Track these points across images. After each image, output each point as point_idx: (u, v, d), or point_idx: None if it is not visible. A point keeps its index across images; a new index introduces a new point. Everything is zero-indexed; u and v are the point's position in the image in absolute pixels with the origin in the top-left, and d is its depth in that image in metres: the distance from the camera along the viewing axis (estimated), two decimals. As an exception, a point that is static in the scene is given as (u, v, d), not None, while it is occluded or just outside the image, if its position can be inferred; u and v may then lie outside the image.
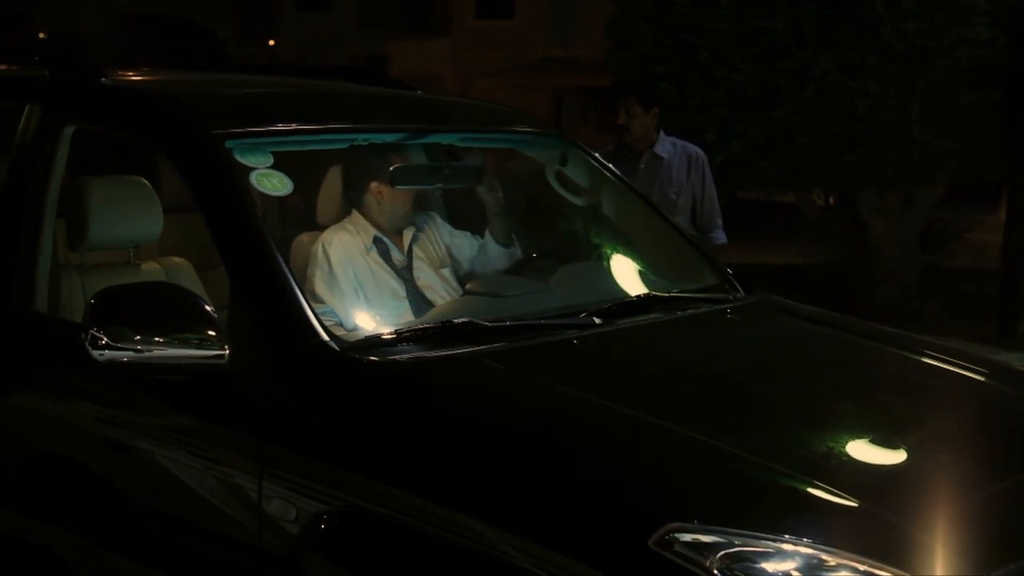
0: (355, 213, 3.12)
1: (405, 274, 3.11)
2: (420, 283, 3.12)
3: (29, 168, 2.78)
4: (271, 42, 31.29)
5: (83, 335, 2.22)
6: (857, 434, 2.21)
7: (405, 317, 2.86)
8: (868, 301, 8.05)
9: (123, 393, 2.45)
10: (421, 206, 3.29)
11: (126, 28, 30.03)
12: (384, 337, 2.41)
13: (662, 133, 4.83)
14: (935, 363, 2.77)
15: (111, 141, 2.99)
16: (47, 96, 2.89)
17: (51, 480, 2.68)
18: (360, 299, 2.94)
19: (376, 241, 3.10)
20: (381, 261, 3.09)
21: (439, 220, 3.33)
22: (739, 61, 7.38)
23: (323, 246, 3.00)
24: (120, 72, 3.11)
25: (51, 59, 3.05)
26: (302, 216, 3.24)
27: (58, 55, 3.09)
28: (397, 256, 3.13)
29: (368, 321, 2.83)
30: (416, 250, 3.19)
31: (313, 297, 2.82)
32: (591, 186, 3.41)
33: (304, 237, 3.13)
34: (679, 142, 4.88)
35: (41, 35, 32.01)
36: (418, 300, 3.05)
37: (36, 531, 2.70)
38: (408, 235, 3.18)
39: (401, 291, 3.06)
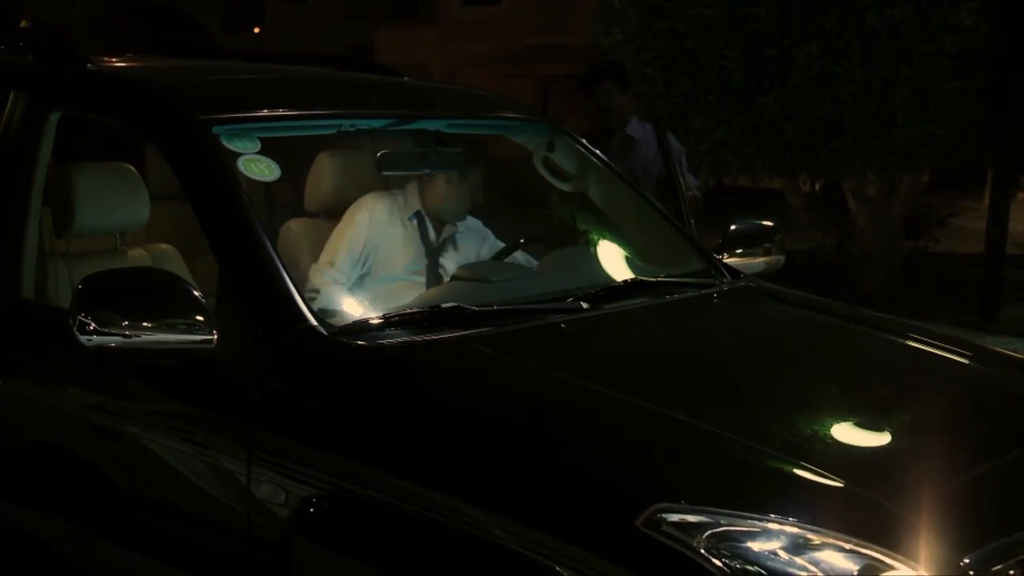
0: (413, 185, 3.19)
1: (433, 255, 3.17)
2: (443, 269, 3.18)
3: (14, 155, 2.76)
4: (256, 30, 31.14)
5: (71, 321, 2.21)
6: (843, 416, 2.23)
7: (416, 293, 2.93)
8: (853, 286, 8.09)
9: (111, 379, 2.45)
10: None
11: (111, 16, 29.84)
12: (372, 322, 2.42)
13: (635, 117, 5.00)
14: (920, 346, 2.79)
15: (97, 128, 2.99)
16: (33, 83, 2.87)
17: (39, 467, 2.68)
18: (373, 270, 3.04)
19: (417, 215, 3.17)
20: (416, 235, 3.15)
21: (487, 233, 3.37)
22: (725, 47, 7.39)
23: (368, 208, 3.07)
24: (106, 59, 3.10)
25: (36, 46, 3.03)
26: (290, 202, 3.24)
27: (44, 42, 3.08)
28: (432, 237, 3.19)
29: (355, 305, 2.83)
30: (452, 240, 3.25)
31: (335, 253, 2.94)
32: (578, 172, 3.42)
33: (292, 224, 3.13)
34: (648, 126, 5.05)
35: (23, 23, 31.73)
36: (436, 283, 3.10)
37: (25, 518, 2.70)
38: (449, 228, 3.25)
39: (421, 268, 3.12)
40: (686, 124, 7.58)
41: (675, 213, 3.38)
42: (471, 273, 2.98)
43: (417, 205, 3.19)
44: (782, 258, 3.33)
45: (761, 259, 3.28)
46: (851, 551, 1.77)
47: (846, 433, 2.16)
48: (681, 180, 3.58)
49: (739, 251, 3.25)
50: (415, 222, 3.18)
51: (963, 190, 12.52)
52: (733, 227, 3.31)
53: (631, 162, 4.86)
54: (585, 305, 2.64)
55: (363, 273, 3.07)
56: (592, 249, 3.25)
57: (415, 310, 2.49)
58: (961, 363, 2.74)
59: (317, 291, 2.90)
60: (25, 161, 2.74)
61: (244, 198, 2.46)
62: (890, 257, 8.49)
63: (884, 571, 1.75)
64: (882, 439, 2.17)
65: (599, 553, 1.79)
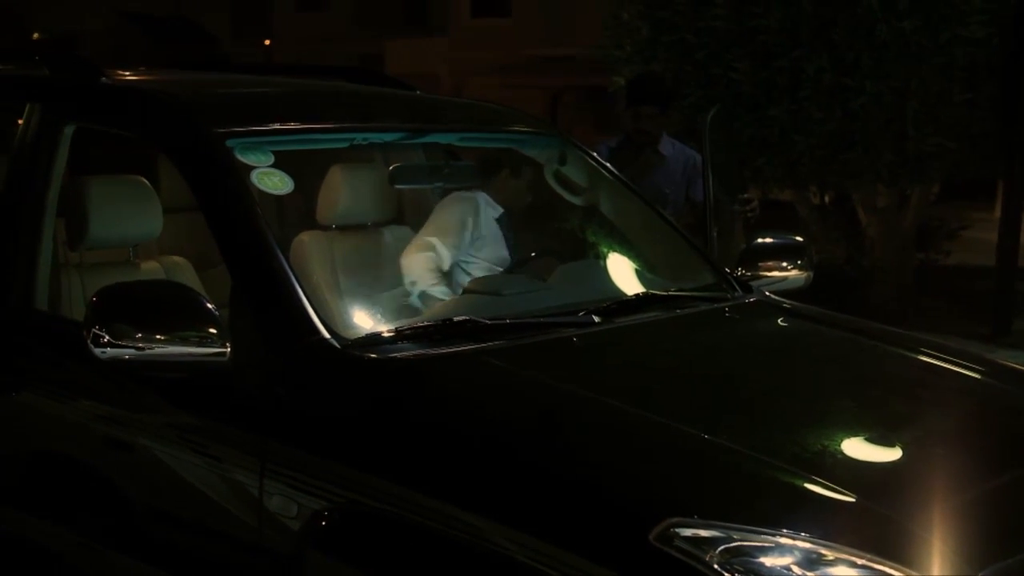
0: (489, 188, 3.40)
1: (512, 254, 3.36)
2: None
3: (29, 167, 2.79)
4: (266, 41, 31.24)
5: (85, 332, 2.22)
6: (854, 431, 2.23)
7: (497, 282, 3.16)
8: (864, 299, 8.07)
9: (125, 391, 2.46)
10: None
11: (121, 27, 29.96)
12: (384, 335, 2.43)
13: (664, 133, 5.05)
14: (932, 361, 2.78)
15: (111, 140, 3.00)
16: (47, 95, 2.90)
17: (52, 478, 2.69)
18: (476, 255, 3.32)
19: (503, 216, 3.37)
20: (500, 233, 3.36)
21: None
22: (735, 59, 7.39)
23: (471, 202, 3.31)
24: (119, 71, 3.12)
25: (51, 59, 3.05)
26: (302, 214, 3.25)
27: (58, 54, 3.10)
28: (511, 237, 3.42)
29: (365, 319, 2.83)
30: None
31: (437, 236, 3.23)
32: (589, 185, 3.43)
33: (304, 236, 3.14)
34: (678, 144, 5.12)
35: (35, 35, 31.88)
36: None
37: (37, 529, 2.71)
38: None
39: (504, 266, 3.34)
40: (695, 136, 7.57)
41: (718, 229, 3.46)
42: (483, 286, 2.99)
43: (501, 208, 3.36)
44: (811, 274, 3.31)
45: (789, 275, 3.26)
46: (864, 566, 1.77)
47: (858, 448, 2.16)
48: (711, 195, 3.60)
49: (763, 265, 3.23)
50: (503, 221, 3.36)
51: (974, 202, 12.49)
52: (757, 242, 3.30)
53: (660, 179, 4.89)
54: (597, 319, 2.64)
55: (467, 256, 3.30)
56: (603, 262, 3.25)
57: (427, 323, 2.50)
58: (973, 378, 2.74)
59: (414, 282, 3.15)
60: (40, 173, 2.76)
61: (257, 211, 2.47)
62: (901, 269, 8.46)
63: (897, 587, 1.75)
64: (894, 454, 2.17)
65: (612, 567, 1.79)
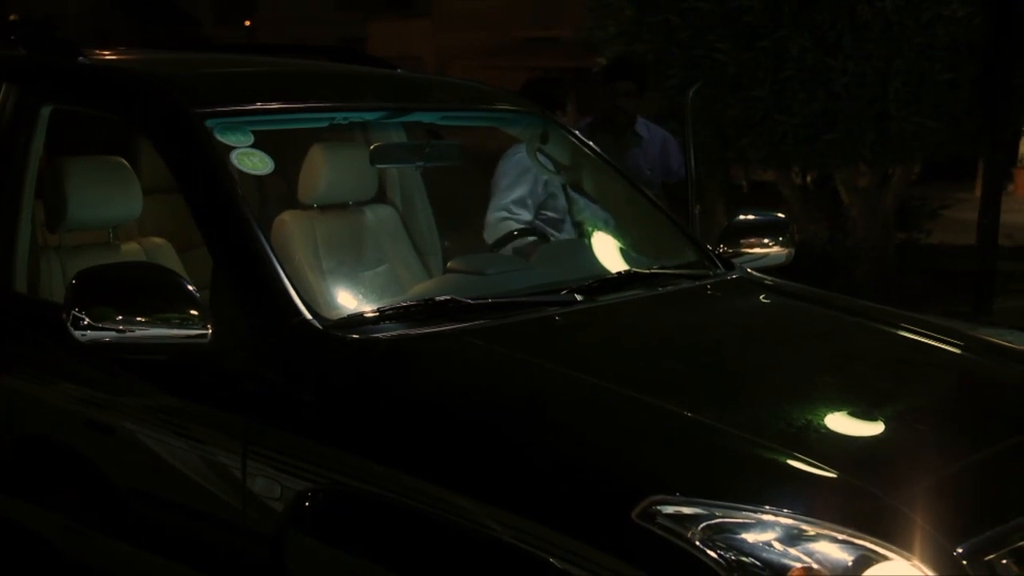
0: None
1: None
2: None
3: (6, 149, 2.76)
4: (247, 22, 31.04)
5: (65, 315, 2.21)
6: (837, 407, 2.24)
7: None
8: (846, 278, 8.10)
9: (105, 373, 2.45)
10: None
11: (101, 8, 29.70)
12: (366, 315, 2.42)
13: (639, 117, 5.14)
14: (914, 336, 2.79)
15: (89, 121, 2.97)
16: (24, 76, 2.87)
17: (34, 461, 2.67)
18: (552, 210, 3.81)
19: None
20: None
21: None
22: (718, 40, 7.39)
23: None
24: (98, 51, 3.09)
25: (28, 39, 3.02)
26: (283, 194, 3.24)
27: (35, 35, 3.06)
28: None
29: (347, 299, 2.83)
30: None
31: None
32: (571, 164, 3.42)
33: (286, 216, 3.13)
34: (652, 124, 5.23)
35: (12, 16, 31.51)
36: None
37: (20, 512, 2.70)
38: None
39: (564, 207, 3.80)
40: (679, 117, 7.58)
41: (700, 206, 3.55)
42: (466, 266, 2.98)
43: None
44: (792, 250, 3.31)
45: (771, 251, 3.26)
46: (845, 542, 1.77)
47: (840, 424, 2.17)
48: (693, 172, 3.64)
49: (744, 242, 3.23)
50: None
51: (955, 181, 12.55)
52: (738, 218, 3.29)
53: (640, 161, 4.93)
54: (579, 297, 2.64)
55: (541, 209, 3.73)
56: (586, 241, 3.25)
57: (410, 303, 2.49)
58: (955, 353, 2.75)
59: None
60: (17, 155, 2.74)
61: (237, 191, 2.45)
62: (882, 249, 8.50)
63: (878, 561, 1.76)
64: (876, 429, 2.18)
65: (595, 545, 1.79)
